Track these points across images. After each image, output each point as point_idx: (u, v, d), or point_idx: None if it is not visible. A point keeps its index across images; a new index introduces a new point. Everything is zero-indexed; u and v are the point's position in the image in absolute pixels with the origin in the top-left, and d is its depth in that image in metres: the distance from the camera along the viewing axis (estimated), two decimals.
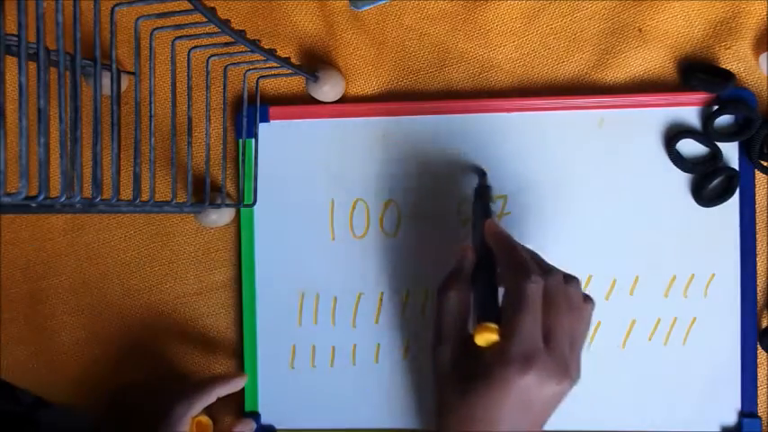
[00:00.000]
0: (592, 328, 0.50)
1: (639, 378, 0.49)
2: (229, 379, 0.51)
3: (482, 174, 0.49)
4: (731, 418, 0.49)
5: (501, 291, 0.41)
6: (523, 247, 0.42)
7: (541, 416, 0.39)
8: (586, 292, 0.42)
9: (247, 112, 0.51)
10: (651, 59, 0.50)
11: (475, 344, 0.38)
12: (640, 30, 0.49)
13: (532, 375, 0.36)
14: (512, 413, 0.36)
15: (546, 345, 0.37)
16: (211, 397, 0.49)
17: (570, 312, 0.39)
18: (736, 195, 0.48)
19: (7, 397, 0.58)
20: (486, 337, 0.38)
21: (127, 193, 0.41)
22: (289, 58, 0.46)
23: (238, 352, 0.53)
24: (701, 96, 0.48)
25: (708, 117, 0.48)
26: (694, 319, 0.49)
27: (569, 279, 0.41)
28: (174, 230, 0.54)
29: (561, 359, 0.37)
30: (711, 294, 0.49)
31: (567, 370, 0.37)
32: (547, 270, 0.40)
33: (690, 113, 0.49)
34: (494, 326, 0.38)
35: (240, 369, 0.53)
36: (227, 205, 0.51)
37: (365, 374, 0.52)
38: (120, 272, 0.55)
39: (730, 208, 0.49)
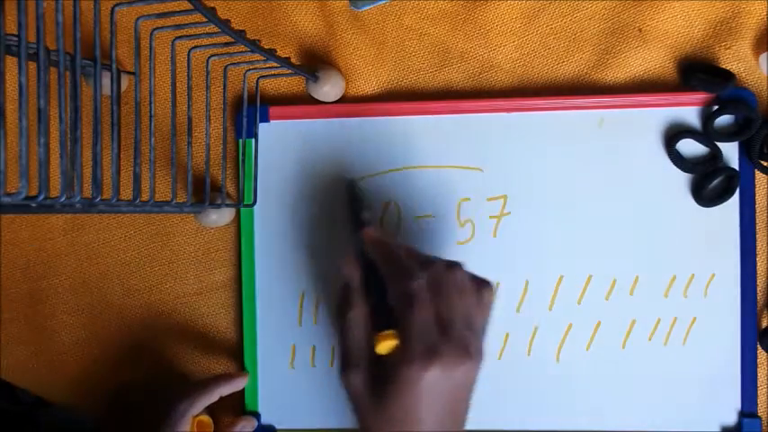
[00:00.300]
0: (592, 326, 0.50)
1: (639, 378, 0.49)
2: (231, 378, 0.51)
3: (351, 182, 0.49)
4: (731, 418, 0.49)
5: None
6: (401, 245, 0.43)
7: (460, 403, 0.39)
8: (479, 276, 0.42)
9: (247, 112, 0.51)
10: (651, 59, 0.50)
11: (382, 356, 0.39)
12: (640, 30, 0.49)
13: (436, 366, 0.36)
14: (430, 408, 0.37)
15: (442, 334, 0.37)
16: (213, 396, 0.49)
17: (460, 295, 0.39)
18: (736, 195, 0.48)
19: (7, 396, 0.58)
20: (387, 345, 0.38)
21: (127, 193, 0.41)
22: (289, 58, 0.46)
23: (238, 352, 0.53)
24: (701, 96, 0.48)
25: (708, 117, 0.48)
26: (694, 319, 0.49)
27: (452, 265, 0.41)
28: (174, 230, 0.54)
29: (460, 342, 0.37)
30: (711, 294, 0.49)
31: (468, 350, 0.37)
32: (426, 263, 0.40)
33: (690, 113, 0.49)
34: (389, 332, 0.38)
35: (240, 369, 0.53)
36: (227, 205, 0.51)
37: None
38: (120, 272, 0.55)
39: (730, 208, 0.49)
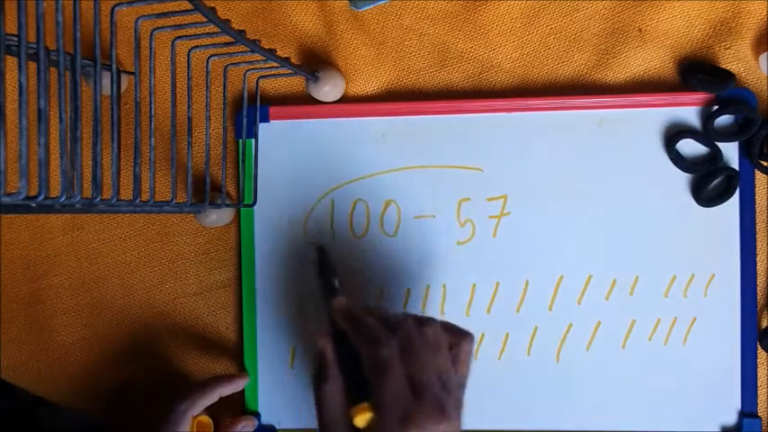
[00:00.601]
0: (592, 326, 0.50)
1: (639, 378, 0.49)
2: (232, 379, 0.51)
3: (321, 249, 0.48)
4: (731, 418, 0.49)
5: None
6: (372, 310, 0.42)
7: None
8: (456, 327, 0.41)
9: (247, 112, 0.51)
10: (651, 59, 0.50)
11: (360, 429, 0.38)
12: (640, 30, 0.49)
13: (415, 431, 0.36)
14: None
15: (416, 398, 0.37)
16: (213, 396, 0.49)
17: (434, 354, 0.39)
18: (736, 195, 0.48)
19: (7, 396, 0.58)
20: (363, 418, 0.38)
21: (127, 193, 0.41)
22: (289, 58, 0.46)
23: (238, 352, 0.53)
24: (701, 96, 0.48)
25: (708, 117, 0.48)
26: (694, 319, 0.49)
27: (423, 322, 0.40)
28: (174, 230, 0.54)
29: (434, 402, 0.37)
30: (711, 294, 0.49)
31: (444, 410, 0.36)
32: (395, 326, 0.39)
33: (690, 113, 0.49)
34: (364, 404, 0.38)
35: (240, 369, 0.53)
36: (227, 205, 0.51)
37: None
38: (120, 271, 0.55)
39: (730, 208, 0.49)
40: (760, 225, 0.49)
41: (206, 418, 0.50)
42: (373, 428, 0.38)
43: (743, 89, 0.48)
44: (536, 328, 0.50)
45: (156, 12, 0.36)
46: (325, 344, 0.42)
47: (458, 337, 0.41)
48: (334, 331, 0.42)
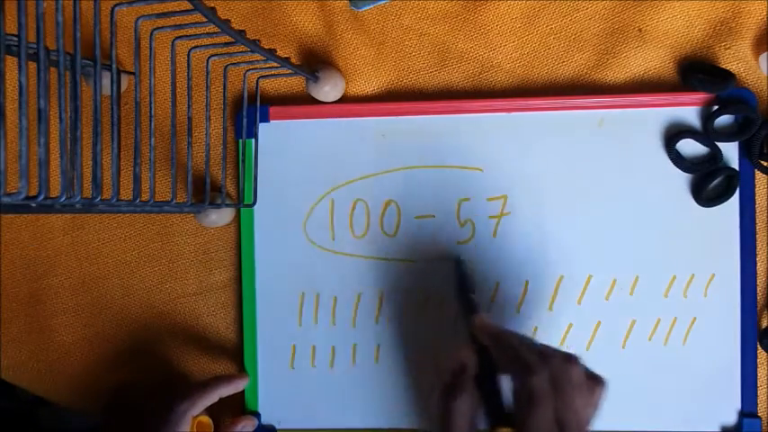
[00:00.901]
0: (592, 326, 0.50)
1: (639, 378, 0.49)
2: (232, 379, 0.51)
3: (459, 263, 0.48)
4: (731, 418, 0.49)
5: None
6: (516, 335, 0.42)
7: None
8: (592, 371, 0.41)
9: (247, 112, 0.51)
10: (651, 59, 0.50)
11: None
12: (640, 30, 0.49)
13: None
14: None
15: None
16: (214, 397, 0.49)
17: (578, 396, 0.39)
18: (736, 195, 0.48)
19: (7, 396, 0.58)
20: None
21: (127, 193, 0.41)
22: (289, 58, 0.46)
23: (238, 352, 0.53)
24: (701, 96, 0.48)
25: (708, 117, 0.48)
26: (694, 319, 0.49)
27: (569, 359, 0.40)
28: (174, 230, 0.54)
29: None
30: (711, 294, 0.49)
31: None
32: (548, 357, 0.39)
33: (690, 113, 0.49)
34: (508, 429, 0.38)
35: (240, 369, 0.53)
36: (227, 205, 0.51)
37: (365, 374, 0.52)
38: (120, 271, 0.55)
39: (730, 208, 0.49)
40: (760, 225, 0.49)
41: (206, 419, 0.50)
42: None
43: (743, 89, 0.48)
44: (536, 328, 0.50)
45: (156, 12, 0.36)
46: (469, 358, 0.42)
47: (594, 382, 0.40)
48: (475, 347, 0.42)
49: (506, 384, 0.40)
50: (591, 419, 0.40)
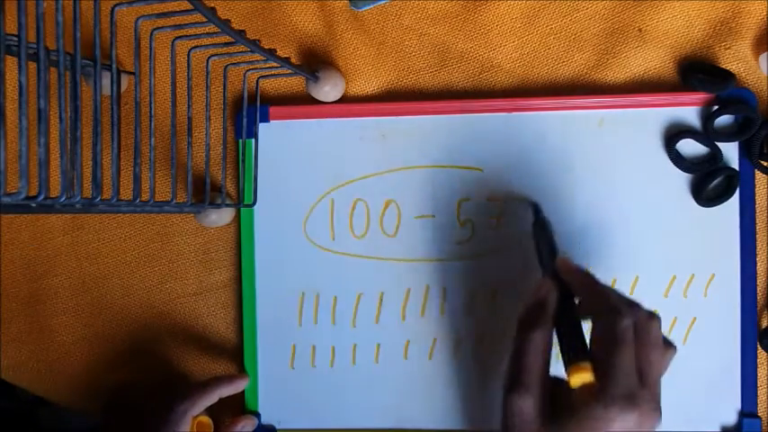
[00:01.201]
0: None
1: None
2: (232, 379, 0.51)
3: (537, 208, 0.48)
4: (731, 418, 0.49)
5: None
6: (600, 280, 0.42)
7: None
8: (666, 336, 0.41)
9: (247, 112, 0.51)
10: (651, 59, 0.50)
11: (561, 388, 0.38)
12: (640, 30, 0.49)
13: (636, 415, 0.35)
14: None
15: (641, 384, 0.36)
16: (213, 397, 0.49)
17: (658, 351, 0.38)
18: (736, 195, 0.48)
19: (7, 396, 0.58)
20: (581, 378, 0.37)
21: (127, 193, 0.41)
22: (289, 58, 0.46)
23: (238, 352, 0.53)
24: (701, 96, 0.48)
25: (708, 117, 0.48)
26: (694, 319, 0.49)
27: (653, 316, 0.39)
28: (174, 230, 0.54)
29: (656, 397, 0.37)
30: (711, 294, 0.49)
31: (659, 407, 0.37)
32: (634, 306, 0.39)
33: (690, 113, 0.49)
34: (588, 365, 0.37)
35: (240, 369, 0.53)
36: (227, 205, 0.51)
37: (365, 374, 0.52)
38: (120, 272, 0.55)
39: (730, 208, 0.48)
40: (760, 225, 0.49)
41: (206, 419, 0.50)
42: (590, 393, 0.36)
43: (743, 89, 0.48)
44: None
45: (156, 12, 0.36)
46: (550, 293, 0.41)
47: (668, 345, 0.40)
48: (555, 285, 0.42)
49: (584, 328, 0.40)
50: (660, 378, 0.39)
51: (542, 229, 0.46)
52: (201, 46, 0.41)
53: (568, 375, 0.38)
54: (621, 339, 0.37)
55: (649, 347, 0.38)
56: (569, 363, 0.38)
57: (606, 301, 0.39)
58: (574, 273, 0.42)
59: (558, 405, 0.38)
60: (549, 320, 0.40)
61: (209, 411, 0.51)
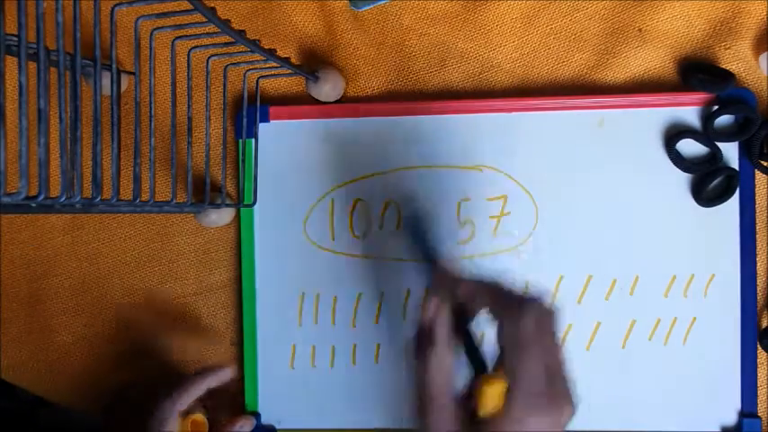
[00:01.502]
0: (592, 326, 0.50)
1: (639, 378, 0.49)
2: (215, 370, 0.49)
3: (408, 219, 0.47)
4: (731, 418, 0.49)
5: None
6: (482, 278, 0.40)
7: None
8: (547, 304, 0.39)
9: (247, 112, 0.51)
10: (651, 59, 0.50)
11: (470, 401, 0.37)
12: (640, 30, 0.49)
13: (550, 414, 0.35)
14: None
15: (551, 381, 0.36)
16: (196, 390, 0.48)
17: (557, 340, 0.38)
18: (736, 195, 0.48)
19: (7, 396, 0.58)
20: (496, 390, 0.36)
21: (127, 193, 0.41)
22: (289, 58, 0.46)
23: (238, 352, 0.53)
24: (701, 96, 0.48)
25: (708, 117, 0.48)
26: (694, 319, 0.49)
27: (550, 309, 0.38)
28: (174, 230, 0.54)
29: (568, 392, 0.36)
30: (711, 294, 0.49)
31: (572, 401, 0.36)
32: (529, 302, 0.38)
33: (690, 113, 0.49)
34: (499, 374, 0.36)
35: (240, 369, 0.53)
36: (227, 205, 0.51)
37: (365, 374, 0.52)
38: (120, 272, 0.55)
39: (730, 208, 0.48)
40: (760, 225, 0.49)
41: (201, 417, 0.50)
42: (507, 400, 0.35)
43: (743, 89, 0.48)
44: None
45: (156, 12, 0.36)
46: (441, 306, 0.39)
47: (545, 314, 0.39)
48: (447, 296, 0.40)
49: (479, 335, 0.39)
50: (566, 369, 0.38)
51: (417, 235, 0.46)
52: (201, 46, 0.41)
53: (481, 386, 0.36)
54: (524, 340, 0.36)
55: (552, 339, 0.37)
56: (476, 377, 0.38)
57: (501, 302, 0.38)
58: (450, 283, 0.40)
59: (483, 422, 0.37)
60: (442, 338, 0.38)
61: (208, 411, 0.51)
